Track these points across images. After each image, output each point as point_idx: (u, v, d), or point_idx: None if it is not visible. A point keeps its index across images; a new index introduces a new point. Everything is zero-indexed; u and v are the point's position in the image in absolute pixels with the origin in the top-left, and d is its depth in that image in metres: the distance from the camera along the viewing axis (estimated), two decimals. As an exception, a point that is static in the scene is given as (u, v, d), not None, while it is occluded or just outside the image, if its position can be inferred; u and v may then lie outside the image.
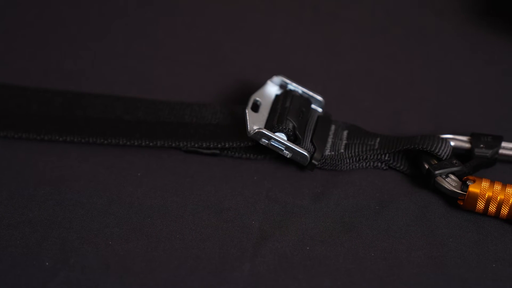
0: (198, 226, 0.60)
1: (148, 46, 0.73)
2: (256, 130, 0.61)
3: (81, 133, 0.64)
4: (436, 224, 0.60)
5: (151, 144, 0.64)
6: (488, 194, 0.59)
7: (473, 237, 0.59)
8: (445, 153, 0.62)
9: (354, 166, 0.63)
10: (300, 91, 0.65)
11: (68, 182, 0.62)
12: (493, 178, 0.60)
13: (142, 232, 0.59)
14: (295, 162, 0.63)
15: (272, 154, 0.64)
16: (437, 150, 0.61)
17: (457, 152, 0.63)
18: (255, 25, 0.75)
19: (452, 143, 0.63)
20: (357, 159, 0.63)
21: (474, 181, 0.60)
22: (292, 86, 0.65)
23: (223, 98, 0.68)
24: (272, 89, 0.65)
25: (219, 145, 0.63)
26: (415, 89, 0.70)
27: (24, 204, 0.61)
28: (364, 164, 0.63)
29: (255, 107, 0.64)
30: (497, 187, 0.59)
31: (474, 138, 0.63)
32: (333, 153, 0.63)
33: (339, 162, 0.63)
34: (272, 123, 0.62)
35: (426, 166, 0.61)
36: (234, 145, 0.63)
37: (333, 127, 0.64)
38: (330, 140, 0.64)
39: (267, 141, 0.62)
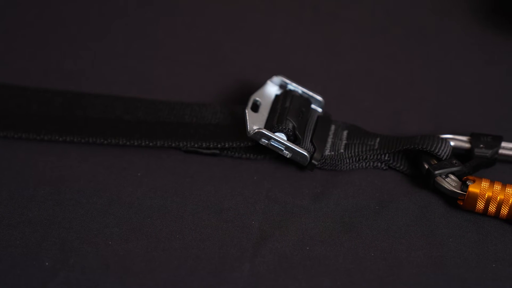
0: (198, 226, 0.60)
1: (148, 46, 0.73)
2: (256, 130, 0.61)
3: (81, 133, 0.64)
4: (436, 224, 0.60)
5: (151, 144, 0.64)
6: (488, 194, 0.59)
7: (473, 237, 0.59)
8: (445, 153, 0.62)
9: (354, 166, 0.63)
10: (300, 91, 0.65)
11: (68, 182, 0.62)
12: (493, 178, 0.60)
13: (142, 232, 0.59)
14: (295, 162, 0.63)
15: (272, 154, 0.64)
16: (437, 150, 0.61)
17: (457, 152, 0.63)
18: (255, 25, 0.75)
19: (452, 143, 0.63)
20: (357, 159, 0.63)
21: (474, 181, 0.60)
22: (292, 86, 0.65)
23: (223, 98, 0.68)
24: (272, 89, 0.65)
25: (219, 145, 0.63)
26: (415, 89, 0.70)
27: (24, 204, 0.61)
28: (364, 164, 0.63)
29: (255, 107, 0.64)
30: (497, 187, 0.59)
31: (474, 138, 0.63)
32: (333, 153, 0.63)
33: (339, 162, 0.63)
34: (272, 123, 0.62)
35: (426, 166, 0.61)
36: (234, 145, 0.63)
37: (333, 127, 0.64)
38: (330, 140, 0.64)
39: (267, 141, 0.62)
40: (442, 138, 0.62)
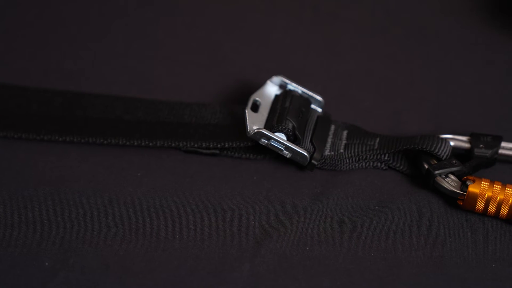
0: (198, 226, 0.60)
1: (148, 46, 0.73)
2: (256, 130, 0.61)
3: (81, 133, 0.64)
4: (436, 224, 0.60)
5: (150, 144, 0.64)
6: (488, 194, 0.59)
7: (473, 237, 0.59)
8: (444, 153, 0.62)
9: (353, 166, 0.63)
10: (299, 91, 0.65)
11: (68, 182, 0.62)
12: (493, 178, 0.60)
13: (141, 232, 0.59)
14: (294, 162, 0.63)
15: (272, 154, 0.64)
16: (436, 150, 0.61)
17: (457, 152, 0.63)
18: (255, 25, 0.75)
19: (452, 143, 0.63)
20: (357, 159, 0.63)
21: (473, 181, 0.60)
22: (292, 86, 0.65)
23: (223, 98, 0.68)
24: (271, 89, 0.65)
25: (218, 145, 0.63)
26: (415, 89, 0.70)
27: (23, 204, 0.61)
28: (363, 164, 0.63)
29: (255, 107, 0.64)
30: (497, 187, 0.59)
31: (474, 138, 0.63)
32: (332, 153, 0.63)
33: (339, 162, 0.63)
34: (272, 123, 0.62)
35: (426, 166, 0.61)
36: (234, 145, 0.63)
37: (332, 127, 0.64)
38: (329, 140, 0.64)
39: (266, 141, 0.62)
40: (442, 138, 0.62)
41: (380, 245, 0.59)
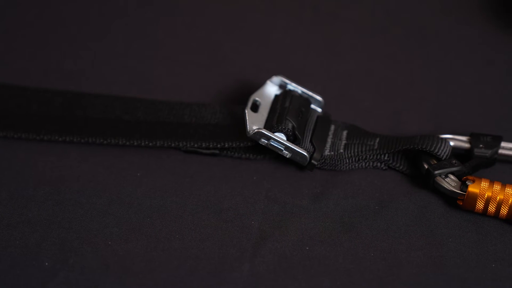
0: (198, 226, 0.60)
1: (148, 46, 0.73)
2: (256, 130, 0.61)
3: (81, 133, 0.64)
4: (436, 224, 0.60)
5: (150, 144, 0.64)
6: (488, 194, 0.59)
7: (473, 237, 0.59)
8: (444, 153, 0.62)
9: (353, 166, 0.63)
10: (299, 91, 0.65)
11: (68, 182, 0.62)
12: (493, 178, 0.60)
13: (141, 232, 0.59)
14: (294, 162, 0.63)
15: (272, 154, 0.64)
16: (436, 150, 0.61)
17: (457, 152, 0.63)
18: (255, 25, 0.75)
19: (452, 143, 0.63)
20: (357, 159, 0.63)
21: (473, 181, 0.60)
22: (292, 86, 0.65)
23: (222, 98, 0.68)
24: (271, 89, 0.65)
25: (218, 145, 0.63)
26: (415, 89, 0.70)
27: (23, 204, 0.61)
28: (363, 164, 0.63)
29: (255, 107, 0.64)
30: (497, 187, 0.59)
31: (474, 138, 0.63)
32: (332, 153, 0.63)
33: (339, 162, 0.63)
34: (272, 123, 0.62)
35: (426, 166, 0.61)
36: (234, 145, 0.63)
37: (332, 127, 0.64)
38: (329, 140, 0.64)
39: (266, 141, 0.62)
40: (442, 138, 0.62)
41: (380, 245, 0.59)
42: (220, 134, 0.64)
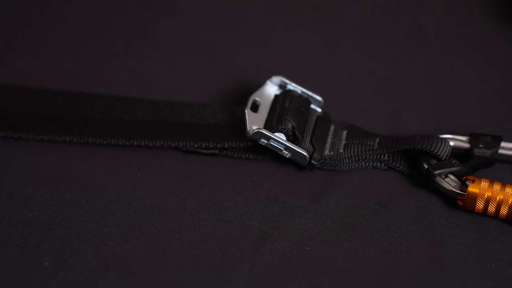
0: (198, 226, 0.60)
1: (148, 46, 0.73)
2: (256, 130, 0.61)
3: (81, 133, 0.64)
4: (436, 224, 0.60)
5: (150, 144, 0.64)
6: (487, 194, 0.59)
7: (473, 237, 0.59)
8: (444, 153, 0.62)
9: (353, 166, 0.63)
10: (299, 91, 0.65)
11: (68, 182, 0.62)
12: (492, 178, 0.60)
13: (141, 232, 0.59)
14: (294, 162, 0.63)
15: (272, 154, 0.64)
16: (436, 150, 0.61)
17: (457, 152, 0.63)
18: (255, 25, 0.75)
19: (452, 143, 0.63)
20: (356, 159, 0.63)
21: (473, 181, 0.60)
22: (291, 86, 0.65)
23: (222, 98, 0.68)
24: (271, 89, 0.65)
25: (218, 145, 0.63)
26: (415, 89, 0.70)
27: (23, 204, 0.61)
28: (363, 164, 0.63)
29: (255, 107, 0.64)
30: (496, 187, 0.59)
31: (474, 138, 0.63)
32: (332, 153, 0.63)
33: (339, 162, 0.63)
34: (271, 123, 0.62)
35: (426, 166, 0.61)
36: (234, 145, 0.63)
37: (332, 127, 0.64)
38: (329, 140, 0.64)
39: (266, 141, 0.62)
40: (442, 138, 0.62)
41: (380, 245, 0.59)
42: (220, 134, 0.64)
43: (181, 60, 0.72)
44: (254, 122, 0.62)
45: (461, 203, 0.60)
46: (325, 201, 0.61)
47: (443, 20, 0.75)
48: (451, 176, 0.61)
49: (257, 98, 0.64)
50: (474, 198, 0.59)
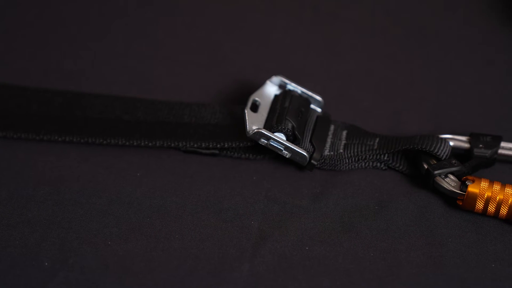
0: (197, 226, 0.60)
1: (148, 46, 0.73)
2: (255, 130, 0.61)
3: (81, 133, 0.64)
4: (435, 224, 0.60)
5: (150, 144, 0.64)
6: (487, 194, 0.59)
7: (472, 237, 0.59)
8: (444, 153, 0.62)
9: (353, 166, 0.63)
10: (299, 91, 0.65)
11: (67, 182, 0.62)
12: (492, 178, 0.60)
13: (141, 232, 0.59)
14: (294, 162, 0.63)
15: (271, 154, 0.64)
16: (436, 150, 0.61)
17: (456, 152, 0.63)
18: (255, 25, 0.75)
19: (451, 143, 0.63)
20: (356, 159, 0.63)
21: (473, 181, 0.60)
22: (291, 86, 0.65)
23: (222, 98, 0.68)
24: (271, 89, 0.65)
25: (218, 145, 0.63)
26: (415, 89, 0.70)
27: (23, 204, 0.61)
28: (363, 164, 0.63)
29: (254, 107, 0.64)
30: (496, 187, 0.59)
31: (473, 138, 0.63)
32: (332, 153, 0.63)
33: (338, 162, 0.63)
34: (271, 123, 0.62)
35: (425, 166, 0.61)
36: (233, 145, 0.63)
37: (332, 127, 0.64)
38: (329, 140, 0.64)
39: (266, 141, 0.62)
40: (442, 138, 0.62)
41: (380, 245, 0.59)
42: (219, 134, 0.64)
43: (181, 60, 0.72)
44: (254, 122, 0.62)
45: (461, 203, 0.60)
46: (325, 201, 0.61)
47: (443, 20, 0.75)
48: (451, 176, 0.61)
49: (257, 98, 0.64)
50: (474, 198, 0.59)
